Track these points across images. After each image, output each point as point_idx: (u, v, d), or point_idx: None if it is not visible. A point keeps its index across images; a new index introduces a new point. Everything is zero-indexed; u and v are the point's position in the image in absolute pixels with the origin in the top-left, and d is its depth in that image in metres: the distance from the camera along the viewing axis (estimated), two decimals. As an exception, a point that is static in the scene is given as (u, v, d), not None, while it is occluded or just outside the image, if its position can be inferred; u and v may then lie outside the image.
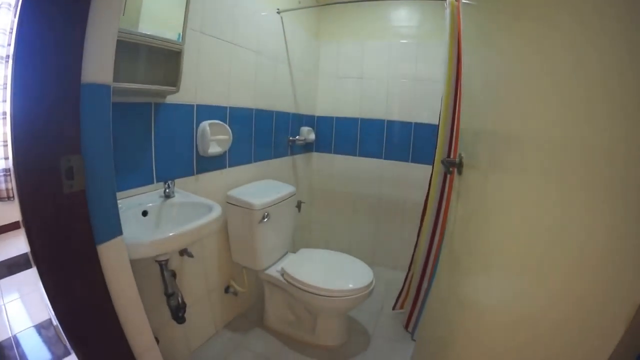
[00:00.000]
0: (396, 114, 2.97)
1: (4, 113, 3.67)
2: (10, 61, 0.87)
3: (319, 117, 3.25)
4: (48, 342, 1.98)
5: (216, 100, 1.91)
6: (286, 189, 2.24)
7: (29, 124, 0.74)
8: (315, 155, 3.31)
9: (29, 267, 2.96)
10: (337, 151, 3.22)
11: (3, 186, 3.73)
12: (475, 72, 1.22)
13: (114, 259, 0.94)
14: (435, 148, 1.97)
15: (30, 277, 2.80)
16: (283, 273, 1.99)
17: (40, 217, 0.78)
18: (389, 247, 3.12)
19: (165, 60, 1.46)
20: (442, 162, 1.47)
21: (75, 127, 0.81)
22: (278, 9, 2.42)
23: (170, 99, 1.59)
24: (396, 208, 3.05)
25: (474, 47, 1.30)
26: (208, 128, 1.76)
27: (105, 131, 0.90)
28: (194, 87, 1.72)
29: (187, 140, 1.74)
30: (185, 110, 1.70)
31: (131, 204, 1.36)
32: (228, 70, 1.98)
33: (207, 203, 1.50)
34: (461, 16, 1.75)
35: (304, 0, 2.76)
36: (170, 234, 1.18)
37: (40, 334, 2.06)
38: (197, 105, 1.77)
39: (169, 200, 1.50)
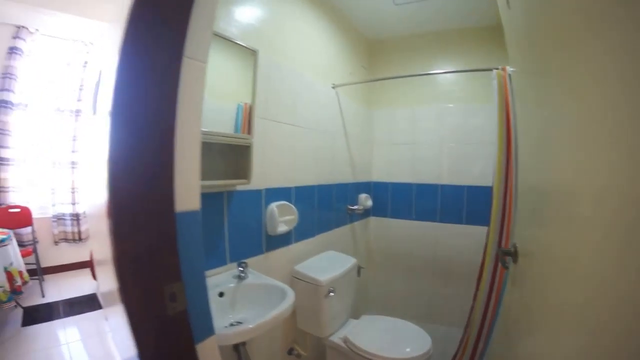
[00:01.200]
0: (448, 177, 3.02)
1: (73, 162, 4.05)
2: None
3: (375, 183, 3.38)
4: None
5: (281, 182, 2.05)
6: (349, 262, 2.34)
7: (132, 257, 0.82)
8: (372, 219, 3.41)
9: (92, 308, 3.19)
10: (394, 215, 3.29)
11: (70, 229, 4.07)
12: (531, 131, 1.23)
13: (209, 355, 1.02)
14: (490, 212, 1.96)
15: (91, 320, 3.01)
16: (346, 341, 2.04)
17: (146, 330, 0.87)
18: (444, 305, 3.08)
19: (235, 153, 1.60)
20: (497, 252, 1.47)
21: (175, 257, 0.88)
22: (333, 85, 2.59)
23: (241, 187, 1.72)
24: (451, 268, 3.02)
25: (527, 109, 1.32)
26: (276, 210, 1.90)
27: (199, 252, 0.97)
28: (261, 173, 1.85)
29: (257, 222, 1.87)
30: (255, 195, 1.83)
31: (208, 285, 1.47)
32: (291, 151, 2.13)
33: (280, 286, 1.58)
34: (508, 84, 1.79)
35: (355, 71, 2.93)
36: (251, 326, 1.25)
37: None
38: (265, 190, 1.90)
39: (243, 282, 1.59)
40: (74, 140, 4.08)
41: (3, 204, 3.63)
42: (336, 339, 2.11)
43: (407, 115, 3.16)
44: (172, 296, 0.88)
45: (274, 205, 1.90)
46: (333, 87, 2.59)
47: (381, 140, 3.32)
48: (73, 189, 4.07)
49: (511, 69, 1.77)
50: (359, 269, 2.51)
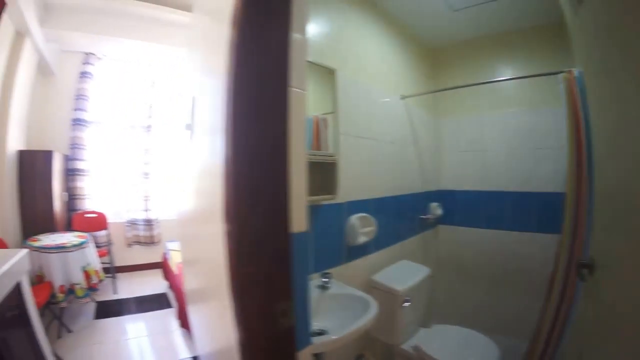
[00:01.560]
0: (516, 184, 2.93)
1: (146, 173, 4.43)
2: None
3: (444, 191, 3.35)
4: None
5: (360, 195, 2.14)
6: (422, 271, 2.38)
7: (253, 280, 0.90)
8: (441, 228, 3.38)
9: (161, 307, 3.43)
10: (462, 223, 3.26)
11: (142, 233, 4.43)
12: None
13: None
14: (563, 219, 1.91)
15: (159, 317, 3.23)
16: (417, 349, 2.07)
17: (258, 344, 0.94)
18: (511, 316, 2.98)
19: (321, 170, 1.70)
20: (572, 263, 1.44)
21: (288, 277, 0.93)
22: (402, 96, 2.64)
23: (325, 201, 1.81)
24: (519, 277, 2.90)
25: (603, 111, 1.29)
26: (357, 222, 1.99)
27: (306, 270, 1.01)
28: (343, 187, 1.90)
29: (339, 233, 1.97)
30: (337, 208, 1.93)
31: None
32: (368, 164, 2.23)
33: (363, 296, 1.65)
34: (575, 87, 1.76)
35: (420, 81, 2.97)
36: (336, 337, 1.32)
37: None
38: (347, 203, 2.00)
39: (327, 292, 1.67)
40: (146, 153, 4.47)
41: (80, 209, 4.02)
42: (407, 347, 2.16)
43: (473, 122, 3.13)
44: (283, 313, 0.94)
45: (354, 218, 2.00)
46: (402, 99, 2.64)
47: (449, 148, 3.30)
48: (146, 197, 4.43)
49: (579, 70, 1.73)
50: (429, 278, 2.53)
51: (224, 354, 1.13)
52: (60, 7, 3.40)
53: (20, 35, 2.99)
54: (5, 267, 1.63)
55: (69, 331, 2.79)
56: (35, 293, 2.11)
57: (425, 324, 2.43)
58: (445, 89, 2.94)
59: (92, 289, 2.89)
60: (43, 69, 3.80)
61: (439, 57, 3.29)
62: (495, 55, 2.98)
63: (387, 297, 2.07)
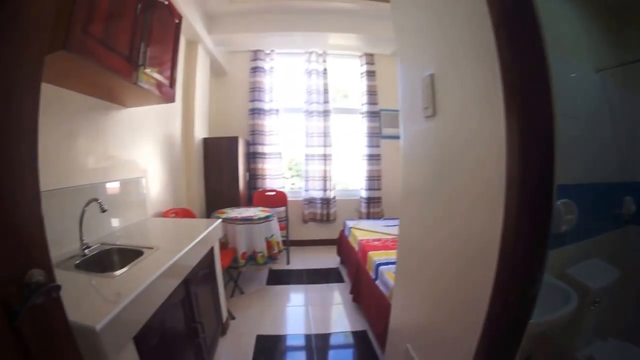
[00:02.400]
0: None
1: (325, 155, 4.75)
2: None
3: None
4: None
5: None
6: (613, 274, 1.86)
7: None
8: (632, 229, 2.48)
9: (329, 280, 3.56)
10: None
11: (319, 211, 4.80)
12: None
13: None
14: None
15: (328, 290, 3.36)
16: None
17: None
18: None
19: None
20: None
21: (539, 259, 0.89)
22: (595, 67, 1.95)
23: None
24: None
25: None
26: (562, 208, 1.65)
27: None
28: None
29: None
30: None
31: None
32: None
33: (564, 288, 1.45)
34: None
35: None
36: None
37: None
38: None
39: None
40: (325, 136, 4.76)
41: (260, 188, 4.56)
42: (581, 356, 1.72)
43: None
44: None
45: (560, 202, 1.64)
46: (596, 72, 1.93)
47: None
48: (325, 177, 4.73)
49: None
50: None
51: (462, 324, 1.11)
52: (221, 15, 3.83)
53: (191, 43, 3.55)
54: (205, 232, 1.98)
55: (242, 292, 3.18)
56: (221, 257, 2.48)
57: (601, 335, 1.88)
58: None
59: (272, 257, 3.22)
60: (216, 70, 4.51)
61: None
62: None
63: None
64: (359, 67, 4.82)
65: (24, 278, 0.67)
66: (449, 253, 1.22)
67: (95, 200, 1.56)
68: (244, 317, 2.73)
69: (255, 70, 4.62)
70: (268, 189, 4.55)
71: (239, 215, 3.19)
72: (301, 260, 4.20)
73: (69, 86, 1.64)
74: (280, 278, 3.63)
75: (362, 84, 4.79)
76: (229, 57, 4.68)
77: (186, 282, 1.65)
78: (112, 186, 2.10)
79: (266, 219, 3.24)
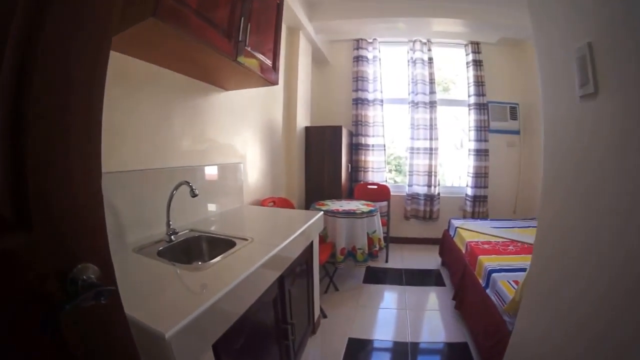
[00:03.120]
0: None
1: (431, 149, 4.33)
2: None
3: None
4: None
5: None
6: None
7: None
8: None
9: (429, 284, 3.22)
10: None
11: (422, 208, 4.39)
12: None
13: None
14: None
15: (426, 293, 3.04)
16: None
17: None
18: None
19: None
20: None
21: None
22: None
23: None
24: None
25: None
26: None
27: None
28: None
29: None
30: None
31: None
32: None
33: None
34: None
35: None
36: None
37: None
38: None
39: None
40: (432, 129, 4.34)
41: (362, 180, 4.35)
42: None
43: None
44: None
45: None
46: None
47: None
48: (429, 173, 4.33)
49: None
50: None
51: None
52: (322, 1, 3.64)
53: (293, 30, 3.46)
54: (306, 225, 1.80)
55: (336, 289, 2.98)
56: (319, 251, 2.31)
57: None
58: None
59: (372, 255, 2.98)
60: (318, 60, 4.40)
61: None
62: None
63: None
64: (463, 56, 4.40)
65: (69, 273, 0.53)
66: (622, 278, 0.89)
67: (186, 183, 1.47)
68: (336, 317, 2.56)
69: (358, 59, 4.41)
70: (370, 182, 4.31)
71: (341, 208, 3.00)
72: (400, 259, 3.91)
73: (165, 64, 1.59)
74: (378, 276, 3.38)
75: (469, 74, 4.33)
76: (331, 47, 4.56)
77: (281, 279, 1.50)
78: (209, 170, 2.06)
79: (370, 213, 3.01)
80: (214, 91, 2.11)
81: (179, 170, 1.74)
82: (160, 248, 1.39)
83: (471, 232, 3.13)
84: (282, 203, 2.95)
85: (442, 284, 3.20)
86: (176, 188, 1.51)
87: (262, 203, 2.72)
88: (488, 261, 2.33)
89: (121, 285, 0.63)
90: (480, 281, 2.27)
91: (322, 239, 2.89)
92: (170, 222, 1.50)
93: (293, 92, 3.53)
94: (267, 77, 1.92)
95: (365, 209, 3.04)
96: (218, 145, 2.19)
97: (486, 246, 2.69)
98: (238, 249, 1.37)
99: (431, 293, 3.05)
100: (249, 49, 1.66)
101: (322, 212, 2.20)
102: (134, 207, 1.45)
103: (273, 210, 2.43)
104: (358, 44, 4.40)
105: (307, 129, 3.87)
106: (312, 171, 3.85)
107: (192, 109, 1.90)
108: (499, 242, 2.79)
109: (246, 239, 1.48)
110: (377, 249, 3.07)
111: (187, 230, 1.64)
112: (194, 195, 1.44)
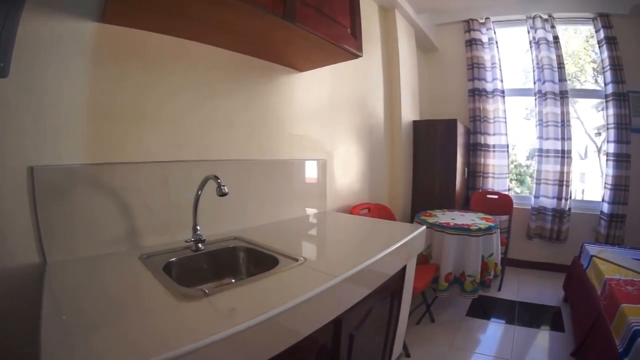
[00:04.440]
0: None
1: (563, 152, 3.46)
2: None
3: None
4: None
5: None
6: None
7: None
8: None
9: (543, 323, 2.54)
10: None
11: (549, 226, 3.54)
12: None
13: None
14: None
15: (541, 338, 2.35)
16: None
17: None
18: None
19: None
20: None
21: None
22: None
23: None
24: None
25: None
26: None
27: None
28: None
29: None
30: None
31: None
32: None
33: None
34: None
35: None
36: None
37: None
38: None
39: None
40: (563, 126, 3.45)
41: (479, 188, 3.66)
42: None
43: None
44: None
45: None
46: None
47: None
48: (561, 182, 3.46)
49: None
50: None
51: None
52: None
53: (386, 10, 2.95)
54: (394, 246, 1.29)
55: (432, 320, 2.44)
56: (417, 275, 1.81)
57: None
58: None
59: (484, 284, 2.37)
60: (424, 45, 3.82)
61: None
62: None
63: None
64: (593, 33, 3.45)
65: None
66: None
67: (214, 178, 1.09)
68: (422, 357, 2.04)
69: (471, 43, 3.72)
70: (490, 190, 3.62)
71: (452, 222, 2.43)
72: (515, 288, 3.16)
73: (199, 36, 1.31)
74: (485, 308, 2.70)
75: (602, 55, 3.33)
76: (437, 31, 3.95)
77: (338, 323, 1.04)
78: (272, 166, 1.73)
79: (488, 230, 2.37)
80: (282, 72, 1.76)
81: (224, 164, 1.48)
82: (173, 259, 1.10)
83: (612, 264, 2.29)
84: (380, 211, 2.48)
85: (561, 328, 2.45)
86: (201, 186, 1.17)
87: (352, 210, 2.28)
88: (634, 315, 1.57)
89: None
90: (617, 343, 1.55)
91: (425, 258, 2.35)
92: (198, 226, 1.19)
93: (395, 81, 3.02)
94: (341, 42, 1.47)
95: (483, 224, 2.42)
96: (287, 137, 1.84)
97: (630, 288, 1.90)
98: (275, 272, 1.00)
99: (545, 338, 2.33)
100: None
101: (423, 228, 1.64)
102: (160, 205, 1.24)
103: (361, 220, 1.95)
104: (469, 25, 3.73)
105: (415, 123, 3.31)
106: (420, 174, 3.29)
107: (248, 91, 1.58)
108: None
109: (296, 259, 1.08)
110: (490, 277, 2.42)
111: (231, 238, 1.33)
112: (221, 194, 1.05)
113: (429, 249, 2.35)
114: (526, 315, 2.64)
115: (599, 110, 3.79)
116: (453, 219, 2.53)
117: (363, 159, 2.55)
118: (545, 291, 3.09)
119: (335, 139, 2.20)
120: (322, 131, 2.08)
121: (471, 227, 2.31)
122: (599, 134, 3.88)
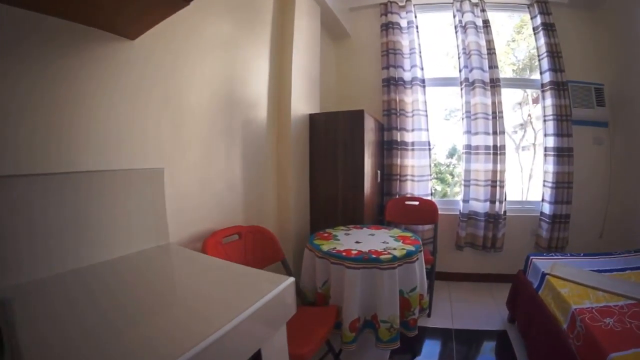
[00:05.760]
0: None
1: (495, 148, 3.00)
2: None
3: None
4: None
5: None
6: None
7: None
8: None
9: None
10: None
11: (481, 233, 3.08)
12: None
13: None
14: None
15: None
16: None
17: None
18: None
19: None
20: None
21: None
22: None
23: None
24: None
25: None
26: None
27: None
28: None
29: None
30: None
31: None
32: None
33: None
34: None
35: None
36: None
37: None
38: None
39: None
40: (494, 118, 3.01)
41: (396, 194, 3.11)
42: None
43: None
44: None
45: None
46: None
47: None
48: (493, 182, 3.03)
49: None
50: None
51: None
52: None
53: None
54: (230, 324, 0.68)
55: None
56: (310, 320, 1.28)
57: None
58: None
59: (407, 327, 1.73)
60: (335, 31, 3.38)
61: None
62: None
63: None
64: (528, 21, 3.22)
65: None
66: None
67: None
68: None
69: (387, 27, 3.23)
70: (409, 195, 3.09)
71: (354, 250, 1.75)
72: (448, 309, 2.66)
73: None
74: (413, 344, 2.13)
75: (539, 42, 3.09)
76: (351, 16, 3.47)
77: None
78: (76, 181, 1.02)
79: (407, 258, 1.72)
80: (110, 41, 1.11)
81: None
82: None
83: (572, 284, 1.82)
84: (255, 236, 1.77)
85: (512, 358, 1.98)
86: None
87: (209, 239, 1.53)
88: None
89: None
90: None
91: (322, 297, 1.70)
92: None
93: (286, 65, 2.35)
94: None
95: (399, 249, 1.76)
96: (100, 137, 1.12)
97: (609, 320, 1.44)
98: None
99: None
100: None
101: (291, 280, 0.92)
102: None
103: (204, 261, 1.17)
104: (386, 8, 3.25)
105: (312, 117, 2.62)
106: (319, 181, 2.60)
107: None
108: (621, 305, 1.56)
109: None
110: (415, 316, 1.76)
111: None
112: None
113: (325, 286, 1.68)
114: (465, 347, 2.14)
115: (524, 106, 3.64)
116: (358, 242, 1.88)
117: (234, 165, 1.84)
118: (485, 311, 2.62)
119: (183, 138, 1.47)
120: (162, 127, 1.35)
121: (382, 257, 1.64)
122: (515, 132, 3.75)
